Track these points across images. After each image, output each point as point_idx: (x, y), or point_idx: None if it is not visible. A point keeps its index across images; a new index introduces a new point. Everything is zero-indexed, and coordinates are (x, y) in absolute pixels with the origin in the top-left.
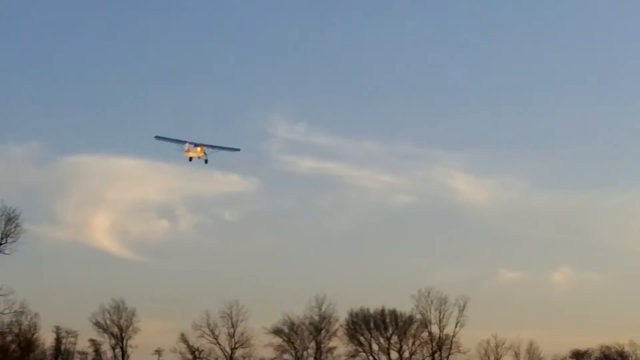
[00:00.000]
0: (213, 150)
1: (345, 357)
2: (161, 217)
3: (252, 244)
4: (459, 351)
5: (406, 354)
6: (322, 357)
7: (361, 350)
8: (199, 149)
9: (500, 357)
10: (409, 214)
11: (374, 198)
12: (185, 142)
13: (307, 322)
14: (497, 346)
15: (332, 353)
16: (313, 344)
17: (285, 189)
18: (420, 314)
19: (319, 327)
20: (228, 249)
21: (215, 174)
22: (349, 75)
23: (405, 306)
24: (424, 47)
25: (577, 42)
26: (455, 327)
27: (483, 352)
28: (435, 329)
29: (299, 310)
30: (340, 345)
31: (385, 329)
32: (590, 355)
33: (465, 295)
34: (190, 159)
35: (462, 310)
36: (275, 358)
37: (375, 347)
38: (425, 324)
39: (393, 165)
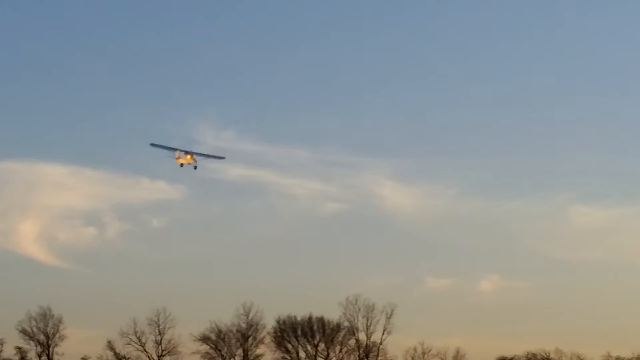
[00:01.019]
0: (201, 158)
1: None
2: (88, 224)
3: (180, 251)
4: (386, 358)
5: None
6: None
7: (288, 357)
8: (189, 156)
9: None
10: (337, 221)
11: (303, 205)
12: (176, 149)
13: (234, 330)
14: (424, 353)
15: None
16: (240, 351)
17: (213, 196)
18: (348, 321)
19: (246, 335)
20: (156, 256)
21: (143, 181)
22: (277, 82)
23: (332, 313)
24: (349, 53)
25: (503, 49)
26: (383, 334)
27: (410, 359)
28: (362, 336)
29: (227, 317)
30: (267, 352)
31: (313, 336)
32: None
33: (392, 303)
34: (182, 165)
35: (389, 317)
36: None
37: (302, 354)
38: (352, 331)
39: (322, 173)
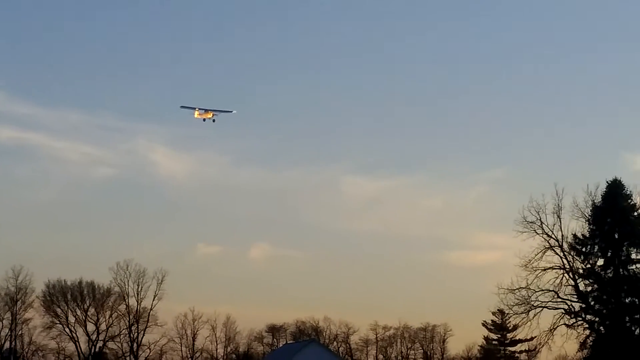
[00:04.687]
0: (216, 114)
1: (41, 329)
2: None
3: None
4: (156, 324)
5: (103, 326)
6: (18, 329)
7: (57, 322)
8: (209, 113)
9: (197, 330)
10: (110, 186)
11: (75, 170)
12: (195, 109)
13: (2, 293)
14: (194, 320)
15: (27, 324)
16: (9, 315)
17: None
18: (119, 286)
19: (14, 298)
20: None
21: None
22: (52, 44)
23: (103, 278)
24: (133, 19)
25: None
26: (153, 300)
27: (180, 325)
28: (133, 301)
29: None
30: (36, 316)
31: (83, 300)
32: (286, 329)
33: (164, 269)
34: (204, 119)
35: (160, 283)
36: None
37: (72, 319)
38: (123, 296)
39: (95, 137)
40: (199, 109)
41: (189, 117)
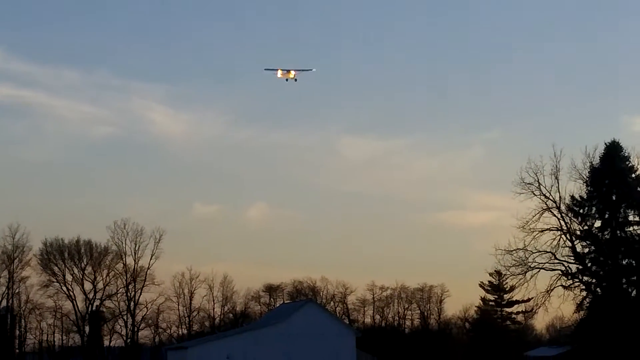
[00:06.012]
0: (298, 73)
1: (38, 287)
2: None
3: None
4: (154, 283)
5: (100, 285)
6: (15, 287)
7: (54, 280)
8: (291, 73)
9: (194, 290)
10: (107, 145)
11: (72, 128)
12: (277, 69)
13: None
14: (191, 279)
15: (25, 283)
16: (6, 273)
17: None
18: (116, 245)
19: (11, 256)
20: None
21: None
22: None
23: (101, 237)
24: None
25: None
26: (151, 259)
27: (177, 284)
28: (130, 260)
29: None
30: (33, 274)
31: (80, 259)
32: (283, 289)
33: (161, 228)
34: (287, 79)
35: (157, 242)
36: None
37: (69, 277)
38: (120, 255)
39: (92, 96)
40: (282, 69)
41: (188, 77)
